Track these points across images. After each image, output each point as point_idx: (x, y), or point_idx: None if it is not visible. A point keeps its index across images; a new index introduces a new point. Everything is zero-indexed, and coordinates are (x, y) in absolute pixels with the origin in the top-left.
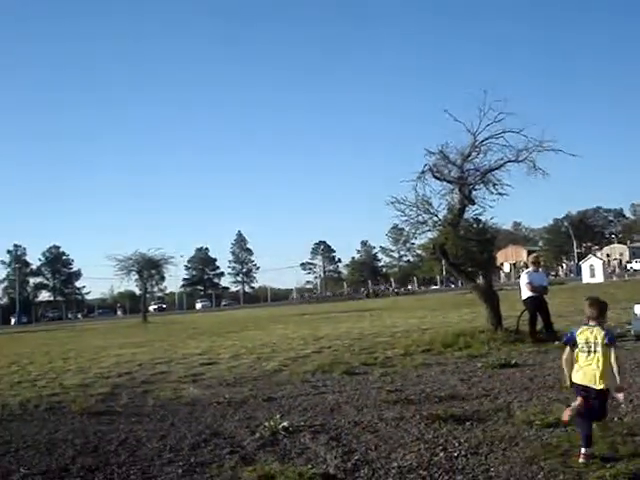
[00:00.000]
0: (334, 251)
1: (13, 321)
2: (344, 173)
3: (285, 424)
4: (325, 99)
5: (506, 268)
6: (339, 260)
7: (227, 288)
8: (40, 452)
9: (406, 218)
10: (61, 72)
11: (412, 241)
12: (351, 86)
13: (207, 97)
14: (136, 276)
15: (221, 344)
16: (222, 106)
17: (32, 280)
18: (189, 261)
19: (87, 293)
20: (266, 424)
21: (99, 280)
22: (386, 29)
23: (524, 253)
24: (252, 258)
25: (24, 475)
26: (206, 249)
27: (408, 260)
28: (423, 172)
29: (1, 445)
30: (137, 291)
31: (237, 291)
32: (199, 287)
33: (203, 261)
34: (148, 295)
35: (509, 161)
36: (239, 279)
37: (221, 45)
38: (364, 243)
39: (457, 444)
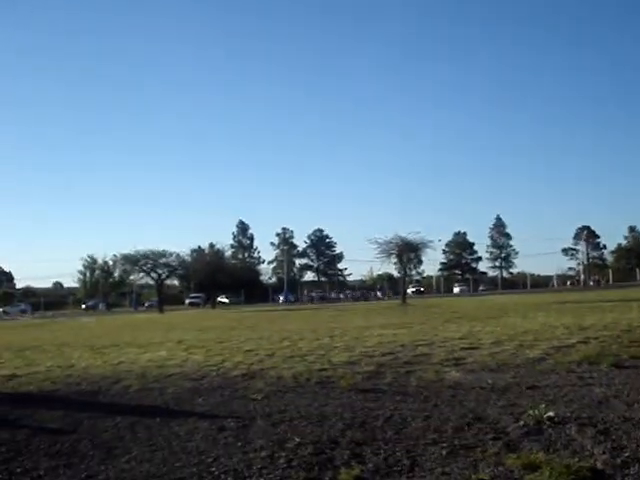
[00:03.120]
0: (598, 237)
1: (281, 299)
2: (608, 152)
3: (550, 414)
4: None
5: None
6: (604, 246)
7: (485, 273)
8: (312, 423)
9: None
10: None
11: None
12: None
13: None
14: (395, 259)
15: (481, 329)
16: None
17: (298, 261)
18: (447, 245)
19: (348, 275)
20: (530, 412)
21: (359, 262)
22: None
23: None
24: (511, 243)
25: (298, 443)
26: (464, 233)
27: None
28: None
29: (278, 414)
30: (395, 273)
31: (495, 276)
32: (456, 271)
33: (461, 245)
34: (406, 278)
35: None
36: (497, 264)
37: None
38: (632, 229)
39: None
